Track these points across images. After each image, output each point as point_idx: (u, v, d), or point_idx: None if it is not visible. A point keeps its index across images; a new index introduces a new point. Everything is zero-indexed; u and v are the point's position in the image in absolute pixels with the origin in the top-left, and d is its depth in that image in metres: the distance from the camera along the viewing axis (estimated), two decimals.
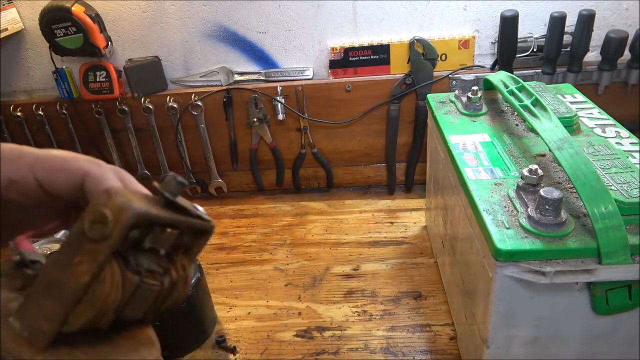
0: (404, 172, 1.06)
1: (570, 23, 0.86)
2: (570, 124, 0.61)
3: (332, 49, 0.96)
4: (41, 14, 0.92)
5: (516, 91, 0.63)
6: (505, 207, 0.49)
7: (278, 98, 0.98)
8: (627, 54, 0.88)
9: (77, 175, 0.26)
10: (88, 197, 0.26)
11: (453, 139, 0.64)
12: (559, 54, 0.88)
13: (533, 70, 0.92)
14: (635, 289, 0.45)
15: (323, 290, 0.80)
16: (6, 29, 0.95)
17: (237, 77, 1.01)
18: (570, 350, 0.50)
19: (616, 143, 0.58)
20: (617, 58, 0.88)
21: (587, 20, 0.84)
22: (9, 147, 0.26)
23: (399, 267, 0.83)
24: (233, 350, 0.70)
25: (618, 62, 0.89)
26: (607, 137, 0.59)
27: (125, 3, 0.96)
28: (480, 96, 0.71)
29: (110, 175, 0.26)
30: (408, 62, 0.95)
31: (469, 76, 0.92)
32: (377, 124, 1.01)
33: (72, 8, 0.90)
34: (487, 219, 0.48)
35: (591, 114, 0.66)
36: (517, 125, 0.66)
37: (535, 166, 0.49)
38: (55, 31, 0.93)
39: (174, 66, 1.02)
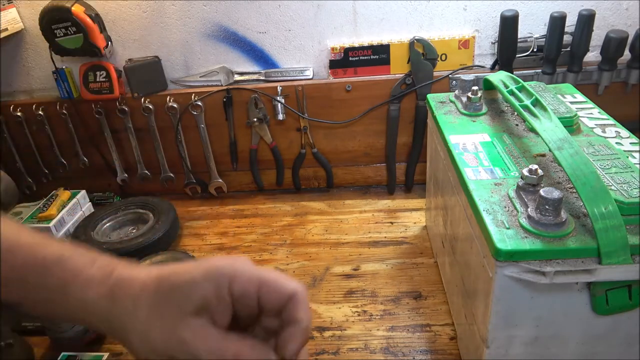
0: (404, 172, 1.06)
1: (570, 23, 0.86)
2: (570, 124, 0.61)
3: (332, 49, 0.96)
4: (41, 14, 0.92)
5: (516, 91, 0.63)
6: (505, 207, 0.49)
7: (278, 98, 0.98)
8: (627, 54, 0.88)
9: (285, 296, 0.30)
10: (284, 323, 0.30)
11: (453, 139, 0.64)
12: (559, 54, 0.88)
13: (533, 70, 0.92)
14: (635, 289, 0.45)
15: (323, 290, 0.80)
16: (6, 29, 0.95)
17: (237, 77, 1.01)
18: (570, 350, 0.50)
19: (616, 143, 0.58)
20: (617, 58, 0.88)
21: (587, 20, 0.84)
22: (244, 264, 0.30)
23: (399, 267, 0.83)
24: None
25: (618, 62, 0.89)
26: (607, 137, 0.59)
27: (125, 3, 0.96)
28: (480, 96, 0.71)
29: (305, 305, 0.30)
30: (408, 62, 0.95)
31: (469, 76, 0.92)
32: (377, 124, 1.01)
33: (72, 8, 0.90)
34: (487, 219, 0.48)
35: (591, 114, 0.66)
36: (517, 125, 0.66)
37: (535, 166, 0.49)
38: (55, 31, 0.93)
39: (174, 66, 1.02)
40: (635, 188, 0.48)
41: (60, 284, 0.31)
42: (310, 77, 1.00)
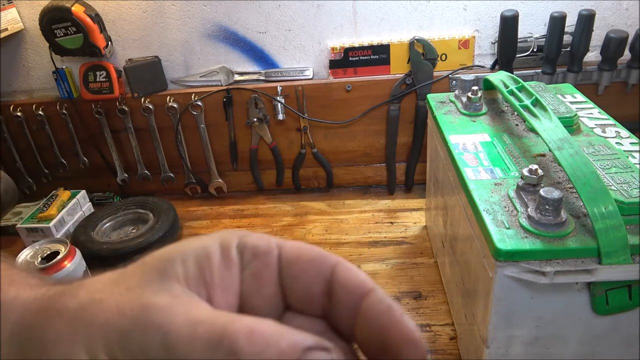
0: (404, 172, 1.06)
1: (570, 23, 0.86)
2: (570, 124, 0.61)
3: (332, 49, 0.96)
4: (41, 14, 0.92)
5: (516, 91, 0.63)
6: (505, 207, 0.49)
7: (278, 98, 0.98)
8: (627, 54, 0.88)
9: (327, 269, 0.19)
10: (341, 291, 0.19)
11: (453, 139, 0.64)
12: (559, 54, 0.88)
13: (533, 70, 0.92)
14: (635, 289, 0.45)
15: None
16: (6, 29, 0.95)
17: (237, 77, 1.01)
18: (570, 350, 0.50)
19: (616, 143, 0.58)
20: (617, 58, 0.88)
21: (587, 20, 0.84)
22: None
23: (399, 267, 0.83)
24: None
25: (618, 62, 0.89)
26: (607, 137, 0.59)
27: (125, 3, 0.96)
28: (480, 96, 0.71)
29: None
30: (408, 62, 0.95)
31: (469, 76, 0.92)
32: (377, 124, 1.01)
33: (72, 8, 0.90)
34: (487, 219, 0.48)
35: (591, 114, 0.66)
36: (517, 125, 0.66)
37: (535, 166, 0.49)
38: (55, 31, 0.93)
39: (174, 66, 1.02)
40: (635, 188, 0.48)
41: None
42: (310, 77, 1.00)
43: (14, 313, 0.19)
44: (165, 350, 0.16)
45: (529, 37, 0.91)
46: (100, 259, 0.85)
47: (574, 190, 0.48)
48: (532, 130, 0.62)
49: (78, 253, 0.76)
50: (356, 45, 0.95)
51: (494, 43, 0.94)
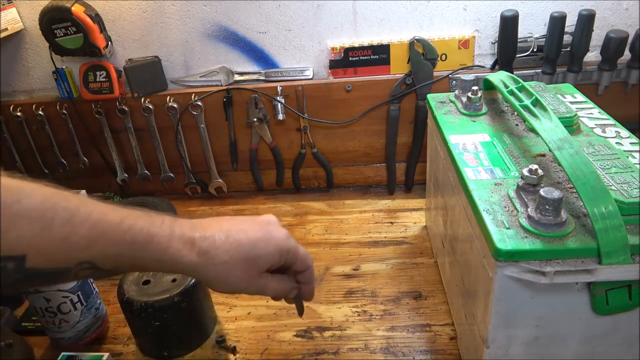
0: (404, 172, 1.06)
1: (570, 23, 0.86)
2: (570, 124, 0.61)
3: (332, 49, 0.96)
4: (41, 14, 0.92)
5: (516, 91, 0.63)
6: (505, 207, 0.49)
7: (278, 98, 0.98)
8: (627, 54, 0.88)
9: (307, 266, 0.53)
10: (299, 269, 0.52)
11: (453, 139, 0.64)
12: (559, 54, 0.88)
13: (533, 70, 0.92)
14: (635, 289, 0.45)
15: (323, 290, 0.80)
16: (6, 29, 0.95)
17: (237, 77, 1.01)
18: (570, 350, 0.51)
19: (616, 143, 0.58)
20: (617, 58, 0.88)
21: (587, 20, 0.84)
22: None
23: (399, 267, 0.83)
24: (233, 350, 0.70)
25: (618, 62, 0.89)
26: (607, 137, 0.59)
27: (125, 3, 0.96)
28: (480, 96, 0.71)
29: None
30: (408, 62, 0.95)
31: (469, 76, 0.92)
32: (377, 124, 1.01)
33: (72, 8, 0.90)
34: (487, 219, 0.48)
35: (591, 114, 0.66)
36: (517, 125, 0.66)
37: (535, 166, 0.49)
38: (55, 31, 0.93)
39: (174, 66, 1.02)
40: (635, 188, 0.48)
41: (153, 257, 0.41)
42: (310, 77, 1.00)
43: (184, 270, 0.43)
44: (295, 252, 0.50)
45: (529, 37, 0.91)
46: None
47: (574, 190, 0.48)
48: (532, 130, 0.62)
49: None
50: (356, 45, 0.95)
51: (494, 43, 0.94)
